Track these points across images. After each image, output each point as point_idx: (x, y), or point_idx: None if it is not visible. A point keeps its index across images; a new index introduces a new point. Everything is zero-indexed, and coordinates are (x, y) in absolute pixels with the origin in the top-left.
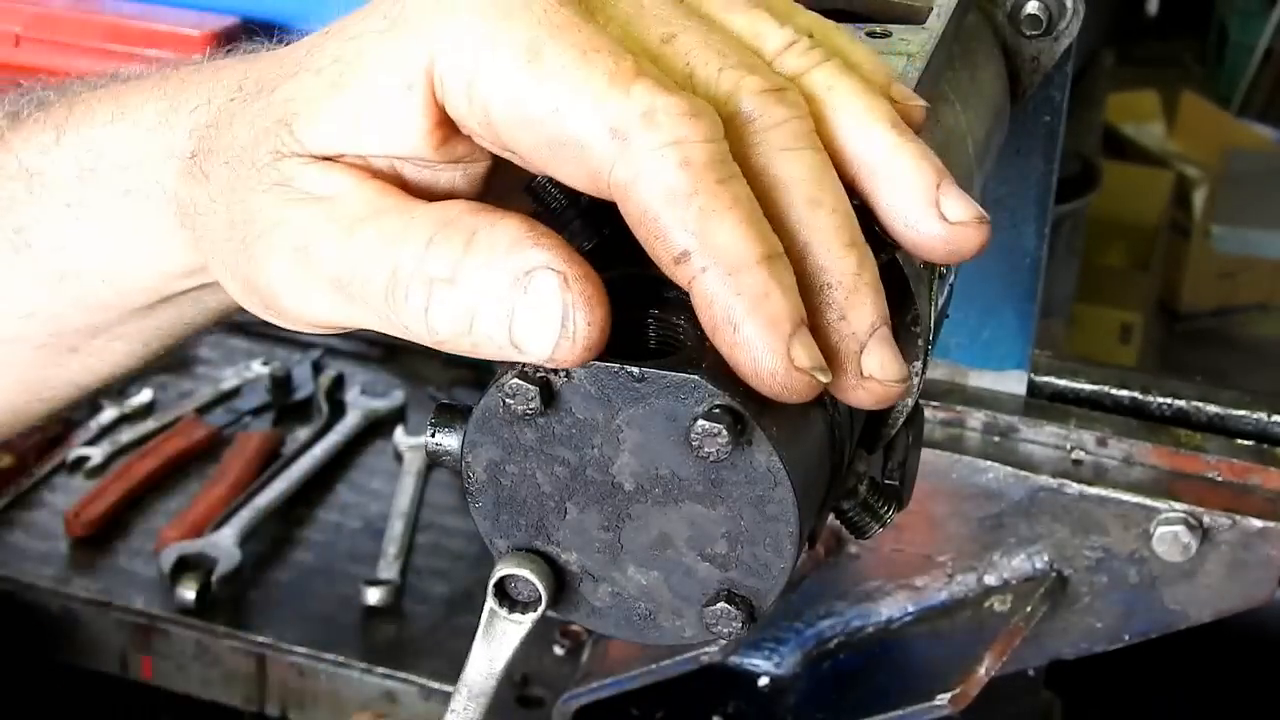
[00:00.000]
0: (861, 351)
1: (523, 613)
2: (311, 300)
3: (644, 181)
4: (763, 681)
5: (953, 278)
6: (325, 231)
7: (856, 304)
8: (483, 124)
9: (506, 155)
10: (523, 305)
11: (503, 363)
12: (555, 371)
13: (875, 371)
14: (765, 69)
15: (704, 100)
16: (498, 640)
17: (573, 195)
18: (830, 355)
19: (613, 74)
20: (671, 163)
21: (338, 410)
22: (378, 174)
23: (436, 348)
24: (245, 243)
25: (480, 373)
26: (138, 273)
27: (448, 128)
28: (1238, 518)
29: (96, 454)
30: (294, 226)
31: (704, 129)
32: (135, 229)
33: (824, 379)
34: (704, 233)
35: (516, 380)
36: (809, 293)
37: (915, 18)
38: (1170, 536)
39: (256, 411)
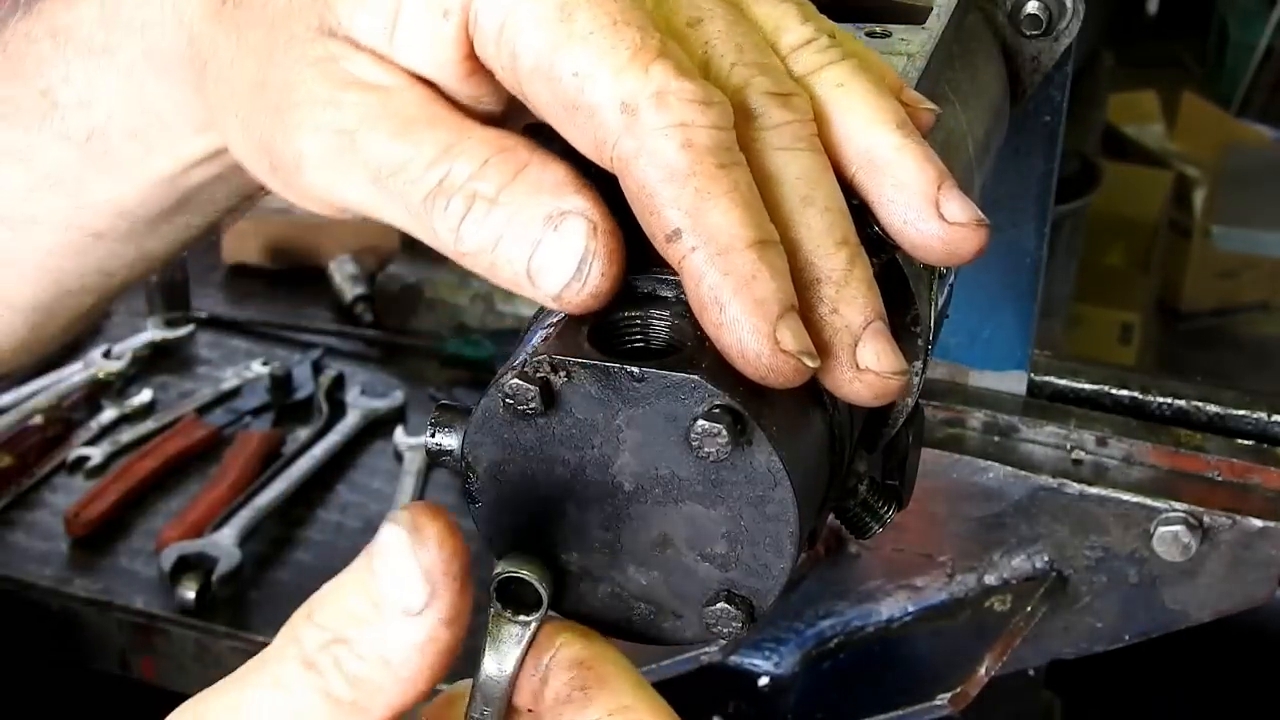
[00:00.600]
0: (856, 344)
1: (526, 614)
2: (340, 184)
3: (644, 158)
4: (763, 681)
5: (952, 278)
6: (378, 123)
7: (848, 298)
8: (507, 69)
9: (523, 99)
10: (549, 239)
11: (503, 363)
12: (555, 371)
13: (872, 364)
14: (778, 71)
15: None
16: (503, 643)
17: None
18: (825, 349)
19: (636, 49)
20: (674, 143)
21: (338, 410)
22: (422, 80)
23: (454, 259)
24: (278, 109)
25: (479, 373)
26: (159, 127)
27: (475, 62)
28: (1238, 517)
29: (96, 454)
30: (345, 110)
31: (713, 116)
32: (153, 70)
33: (811, 364)
34: (696, 212)
35: (516, 380)
36: (802, 288)
37: (915, 18)
38: (1170, 536)
39: (256, 411)
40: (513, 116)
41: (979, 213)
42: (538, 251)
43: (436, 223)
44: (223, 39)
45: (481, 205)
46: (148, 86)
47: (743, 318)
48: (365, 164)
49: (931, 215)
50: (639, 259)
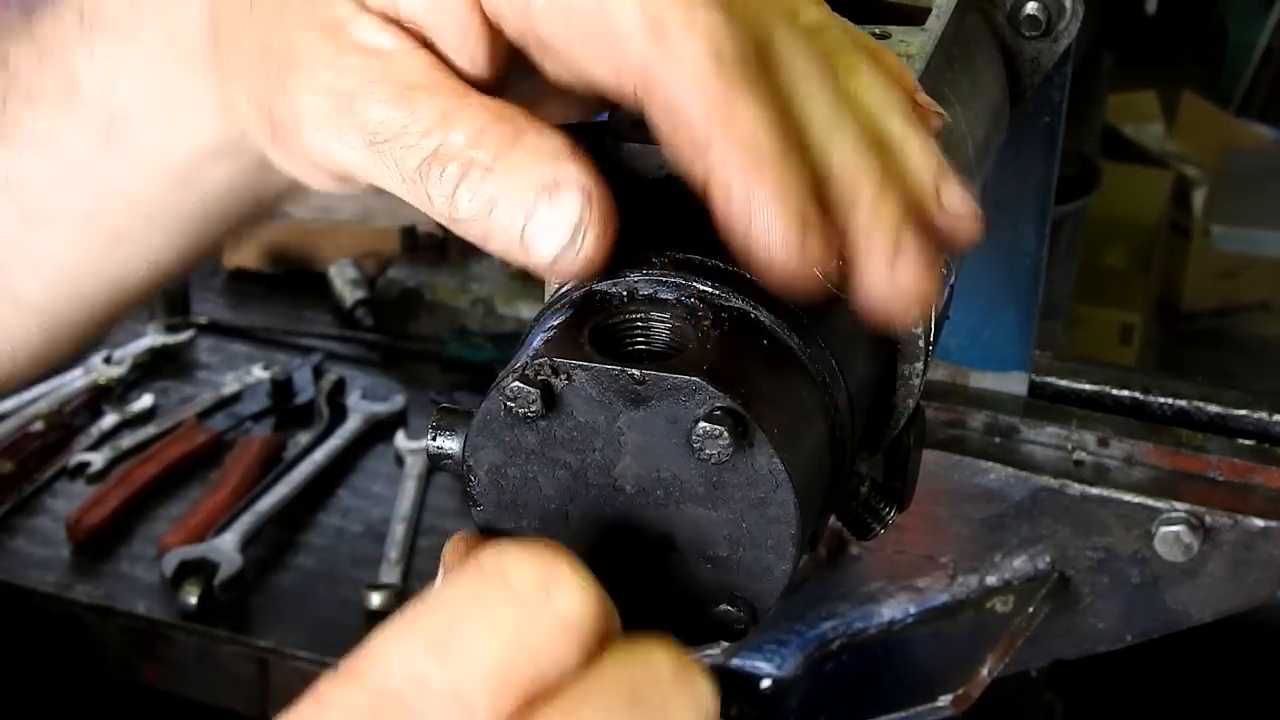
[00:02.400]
0: (897, 245)
1: None
2: (336, 146)
3: (676, 70)
4: (765, 683)
5: (953, 279)
6: (375, 88)
7: (878, 211)
8: (518, 10)
9: (534, 44)
10: (544, 207)
11: (504, 365)
12: (556, 374)
13: (905, 269)
14: (794, 14)
15: None
16: None
17: None
18: (857, 257)
19: None
20: (707, 60)
21: (339, 414)
22: (425, 46)
23: (447, 225)
24: (279, 72)
25: (480, 376)
26: (176, 111)
27: (479, 15)
28: (1239, 517)
29: (98, 459)
30: (345, 73)
31: (741, 37)
32: (174, 53)
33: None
34: (729, 122)
35: (517, 383)
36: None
37: (915, 18)
38: (1172, 537)
39: (257, 416)
40: (507, 90)
41: (974, 205)
42: (533, 219)
43: (431, 189)
44: (237, 4)
45: (477, 172)
46: (168, 69)
47: (775, 222)
48: (362, 126)
49: (930, 203)
50: (637, 258)
